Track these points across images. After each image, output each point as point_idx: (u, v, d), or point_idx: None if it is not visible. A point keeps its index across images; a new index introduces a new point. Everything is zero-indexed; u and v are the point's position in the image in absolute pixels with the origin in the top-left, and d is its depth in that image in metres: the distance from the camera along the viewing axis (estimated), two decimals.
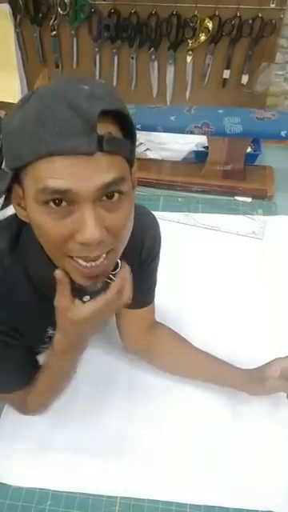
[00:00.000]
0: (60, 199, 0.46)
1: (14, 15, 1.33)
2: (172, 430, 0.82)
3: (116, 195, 0.48)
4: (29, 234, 0.56)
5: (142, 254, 0.72)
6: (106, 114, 0.45)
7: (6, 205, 0.59)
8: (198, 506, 0.73)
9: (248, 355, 0.91)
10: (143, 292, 0.79)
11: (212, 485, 0.75)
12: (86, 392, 0.85)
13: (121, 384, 0.87)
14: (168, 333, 0.86)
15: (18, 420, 0.83)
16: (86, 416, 0.83)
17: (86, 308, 0.56)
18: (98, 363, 0.92)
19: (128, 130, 0.49)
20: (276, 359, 0.78)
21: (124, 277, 0.57)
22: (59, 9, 1.30)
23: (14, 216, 0.60)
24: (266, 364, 0.78)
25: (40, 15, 1.33)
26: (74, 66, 1.43)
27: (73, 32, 1.35)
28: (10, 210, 0.57)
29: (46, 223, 0.48)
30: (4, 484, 0.76)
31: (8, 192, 0.53)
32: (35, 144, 0.44)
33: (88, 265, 0.50)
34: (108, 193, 0.47)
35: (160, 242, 0.76)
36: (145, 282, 0.77)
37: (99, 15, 1.29)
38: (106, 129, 0.45)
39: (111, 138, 0.45)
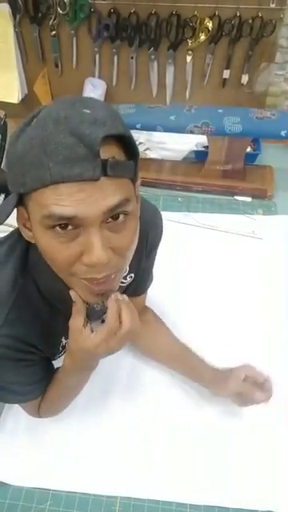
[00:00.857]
0: (66, 224, 0.46)
1: (14, 15, 1.33)
2: (172, 430, 0.82)
3: (121, 216, 0.48)
4: (36, 252, 0.56)
5: (147, 246, 0.74)
6: (109, 138, 0.45)
7: None
8: (198, 506, 0.73)
9: (247, 354, 0.91)
10: (143, 281, 0.82)
11: (212, 485, 0.75)
12: (86, 392, 0.85)
13: (121, 384, 0.87)
14: (153, 318, 0.91)
15: (18, 420, 0.84)
16: (86, 416, 0.83)
17: (92, 340, 0.58)
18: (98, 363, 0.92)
19: (131, 151, 0.49)
20: (245, 365, 0.79)
21: (114, 303, 0.57)
22: (59, 8, 1.30)
23: (18, 235, 0.60)
24: (235, 367, 0.79)
25: (39, 15, 1.33)
26: (74, 66, 1.43)
27: (72, 32, 1.35)
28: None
29: (53, 246, 0.48)
30: (4, 484, 0.76)
31: (8, 216, 0.52)
32: (39, 172, 0.44)
33: (95, 281, 0.51)
34: (113, 214, 0.47)
35: (161, 234, 0.77)
36: (145, 271, 0.80)
37: (99, 15, 1.29)
38: (110, 153, 0.45)
39: (115, 162, 0.45)
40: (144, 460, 0.78)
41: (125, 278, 0.74)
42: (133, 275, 0.75)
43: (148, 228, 0.73)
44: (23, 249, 0.61)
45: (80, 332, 0.58)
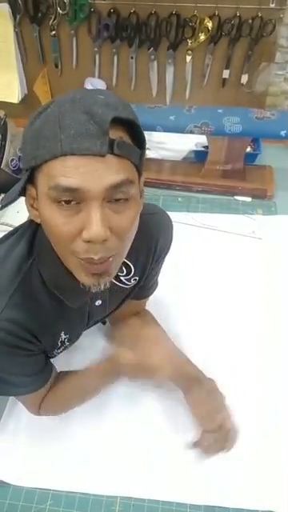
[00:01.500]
0: (70, 200, 0.48)
1: (14, 15, 1.33)
2: (172, 429, 0.82)
3: (123, 198, 0.50)
4: (41, 240, 0.60)
5: (156, 252, 0.75)
6: (119, 122, 0.48)
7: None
8: (198, 506, 0.73)
9: (247, 354, 0.91)
10: (147, 287, 0.83)
11: (212, 485, 0.75)
12: None
13: (121, 384, 0.87)
14: (151, 320, 0.90)
15: (19, 421, 0.84)
16: (86, 416, 0.83)
17: (126, 367, 0.73)
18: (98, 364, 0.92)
19: (138, 139, 0.52)
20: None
21: None
22: (58, 8, 1.30)
23: (28, 224, 0.64)
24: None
25: (39, 15, 1.33)
26: (74, 66, 1.43)
27: (72, 32, 1.35)
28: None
29: (56, 220, 0.50)
30: (4, 484, 0.76)
31: (21, 193, 0.56)
32: (52, 144, 0.47)
33: (92, 262, 0.52)
34: (116, 194, 0.49)
35: (171, 243, 0.78)
36: (151, 278, 0.81)
37: (99, 15, 1.29)
38: (118, 134, 0.49)
39: (122, 142, 0.48)
40: (144, 460, 0.78)
41: (129, 280, 0.74)
42: (137, 278, 0.75)
43: (159, 232, 0.74)
44: (30, 236, 0.63)
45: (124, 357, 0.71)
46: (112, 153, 0.47)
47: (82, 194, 0.48)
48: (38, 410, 0.76)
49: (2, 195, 1.21)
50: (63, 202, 0.49)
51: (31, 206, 0.57)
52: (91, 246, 0.50)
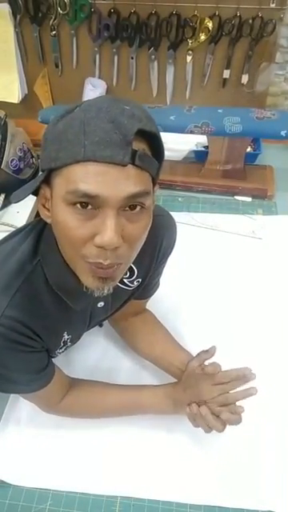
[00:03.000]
0: (87, 203, 0.49)
1: (14, 15, 1.32)
2: (172, 430, 0.82)
3: (138, 208, 0.51)
4: (47, 240, 0.61)
5: (159, 253, 0.75)
6: (142, 134, 0.49)
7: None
8: (198, 506, 0.73)
9: (246, 354, 0.91)
10: (149, 287, 0.83)
11: (212, 485, 0.75)
12: None
13: (122, 384, 0.87)
14: (152, 319, 0.91)
15: (19, 421, 0.84)
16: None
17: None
18: (98, 364, 0.92)
19: (158, 152, 0.53)
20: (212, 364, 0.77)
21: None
22: (59, 8, 1.29)
23: (34, 224, 0.65)
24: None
25: (40, 15, 1.32)
26: (74, 66, 1.43)
27: (72, 32, 1.34)
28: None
29: (70, 223, 0.51)
30: (4, 484, 0.76)
31: (34, 193, 0.56)
32: (74, 149, 0.48)
33: (100, 266, 0.53)
34: (132, 204, 0.50)
35: (174, 245, 0.79)
36: (153, 279, 0.81)
37: (99, 15, 1.29)
38: (140, 146, 0.50)
39: (143, 154, 0.50)
40: (144, 460, 0.78)
41: (132, 282, 0.74)
42: (140, 280, 0.76)
43: (162, 234, 0.74)
44: (35, 237, 0.63)
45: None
46: (133, 163, 0.48)
47: (99, 200, 0.48)
48: (50, 408, 0.77)
49: (3, 195, 1.21)
50: (79, 206, 0.50)
51: (42, 206, 0.57)
52: (102, 251, 0.51)
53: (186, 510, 0.73)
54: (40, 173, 0.55)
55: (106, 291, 0.57)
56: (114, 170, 0.48)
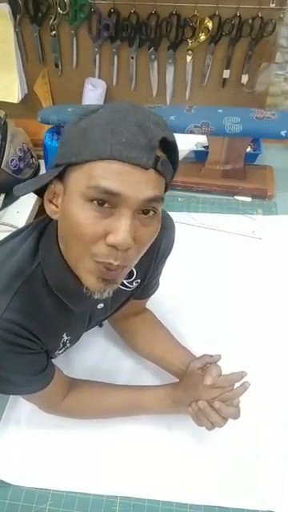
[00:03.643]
0: (104, 201, 0.50)
1: (14, 15, 1.32)
2: (172, 429, 0.82)
3: (151, 212, 0.52)
4: (48, 241, 0.60)
5: (158, 254, 0.76)
6: (163, 143, 0.51)
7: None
8: (198, 506, 0.73)
9: (246, 354, 0.91)
10: (149, 287, 0.83)
11: (212, 485, 0.75)
12: None
13: (121, 384, 0.87)
14: (152, 319, 0.91)
15: (19, 420, 0.84)
16: None
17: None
18: (98, 364, 0.92)
19: (173, 162, 0.55)
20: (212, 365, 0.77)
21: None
22: (59, 8, 1.29)
23: (34, 225, 0.64)
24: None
25: (39, 15, 1.32)
26: (74, 66, 1.43)
27: (72, 32, 1.34)
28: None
29: (85, 219, 0.51)
30: (4, 484, 0.76)
31: (41, 189, 0.57)
32: (100, 146, 0.48)
33: (108, 267, 0.53)
34: (146, 208, 0.51)
35: (172, 246, 0.79)
36: (152, 279, 0.82)
37: (99, 15, 1.29)
38: (161, 153, 0.51)
39: (165, 161, 0.52)
40: (144, 460, 0.78)
41: (131, 283, 0.74)
42: (139, 281, 0.76)
43: (161, 235, 0.74)
44: (36, 238, 0.63)
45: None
46: (155, 168, 0.50)
47: (119, 199, 0.49)
48: (49, 408, 0.77)
49: (3, 195, 1.21)
50: (96, 203, 0.50)
51: (49, 202, 0.57)
52: (113, 251, 0.51)
53: (186, 510, 0.73)
54: (52, 169, 0.55)
55: (106, 294, 0.57)
56: (137, 171, 0.49)
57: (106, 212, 0.50)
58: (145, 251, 0.57)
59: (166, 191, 0.56)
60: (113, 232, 0.50)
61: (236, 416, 0.72)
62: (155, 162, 0.50)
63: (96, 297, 0.57)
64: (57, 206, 0.56)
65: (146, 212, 0.52)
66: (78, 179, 0.51)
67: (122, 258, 0.52)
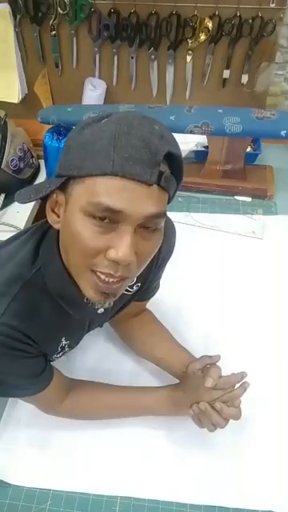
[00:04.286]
0: (105, 216, 0.49)
1: (14, 15, 1.32)
2: (172, 429, 0.82)
3: (153, 227, 0.52)
4: (48, 247, 0.60)
5: (158, 259, 0.75)
6: (167, 156, 0.50)
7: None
8: (198, 506, 0.73)
9: (247, 354, 0.91)
10: (149, 290, 0.83)
11: (212, 485, 0.75)
12: None
13: (122, 384, 0.87)
14: (152, 319, 0.91)
15: (19, 420, 0.84)
16: None
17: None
18: (98, 365, 0.92)
19: (177, 175, 0.53)
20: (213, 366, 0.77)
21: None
22: (59, 8, 1.29)
23: (34, 230, 0.64)
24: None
25: (39, 15, 1.32)
26: (74, 66, 1.43)
27: (72, 32, 1.34)
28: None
29: (86, 233, 0.50)
30: (4, 484, 0.76)
31: (43, 197, 0.55)
32: (103, 161, 0.47)
33: (107, 279, 0.53)
34: (149, 223, 0.51)
35: (173, 250, 0.79)
36: (153, 282, 0.82)
37: (99, 15, 1.29)
38: (165, 168, 0.50)
39: (168, 176, 0.50)
40: (144, 460, 0.78)
41: (131, 287, 0.74)
42: (140, 284, 0.76)
43: (162, 239, 0.73)
44: (36, 243, 0.62)
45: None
46: (158, 184, 0.49)
47: (121, 216, 0.48)
48: (49, 409, 0.77)
49: (3, 195, 1.21)
50: (97, 218, 0.49)
51: (51, 211, 0.57)
52: (114, 265, 0.51)
53: (186, 510, 0.73)
54: (52, 177, 0.54)
55: (106, 305, 0.57)
56: (140, 187, 0.48)
57: (107, 227, 0.50)
58: (147, 263, 0.57)
59: (168, 203, 0.55)
60: (114, 247, 0.50)
61: (237, 417, 0.71)
62: (159, 177, 0.48)
63: (96, 306, 0.58)
64: (58, 216, 0.55)
65: (148, 227, 0.51)
66: (80, 193, 0.50)
67: (123, 271, 0.52)
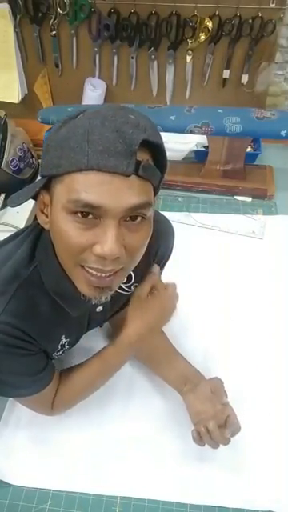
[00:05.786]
0: (88, 212, 0.48)
1: (14, 15, 1.32)
2: (172, 429, 0.82)
3: (139, 218, 0.51)
4: (44, 246, 0.60)
5: (155, 260, 0.75)
6: (146, 145, 0.48)
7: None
8: (198, 506, 0.73)
9: (247, 354, 0.91)
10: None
11: (212, 485, 0.75)
12: None
13: (122, 384, 0.87)
14: None
15: (19, 421, 0.84)
16: (87, 416, 0.83)
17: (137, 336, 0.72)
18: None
19: (161, 163, 0.53)
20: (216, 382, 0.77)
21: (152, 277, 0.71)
22: (59, 8, 1.29)
23: (31, 229, 0.64)
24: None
25: (39, 15, 1.33)
26: (74, 66, 1.43)
27: (72, 32, 1.34)
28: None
29: (70, 231, 0.50)
30: (4, 484, 0.76)
31: (33, 197, 0.56)
32: (77, 157, 0.47)
33: (98, 274, 0.53)
34: (132, 215, 0.50)
35: (171, 252, 0.79)
36: None
37: (99, 15, 1.29)
38: (144, 157, 0.49)
39: (147, 165, 0.49)
40: (144, 460, 0.78)
41: (129, 287, 0.74)
42: (137, 284, 0.75)
43: (160, 240, 0.74)
44: (32, 242, 0.62)
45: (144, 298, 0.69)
46: (136, 174, 0.48)
47: (101, 211, 0.48)
48: (51, 409, 0.76)
49: (3, 195, 1.21)
50: (80, 215, 0.49)
51: (41, 211, 0.57)
52: (101, 260, 0.51)
53: (186, 510, 0.73)
54: (39, 177, 0.55)
55: (103, 299, 0.57)
56: (117, 179, 0.47)
57: (90, 223, 0.49)
58: (141, 256, 0.56)
59: (155, 194, 0.55)
60: (100, 243, 0.49)
61: (238, 430, 0.72)
62: (136, 167, 0.47)
63: (93, 302, 0.58)
64: (47, 216, 0.56)
65: (133, 218, 0.51)
66: (60, 192, 0.50)
67: (113, 264, 0.52)
